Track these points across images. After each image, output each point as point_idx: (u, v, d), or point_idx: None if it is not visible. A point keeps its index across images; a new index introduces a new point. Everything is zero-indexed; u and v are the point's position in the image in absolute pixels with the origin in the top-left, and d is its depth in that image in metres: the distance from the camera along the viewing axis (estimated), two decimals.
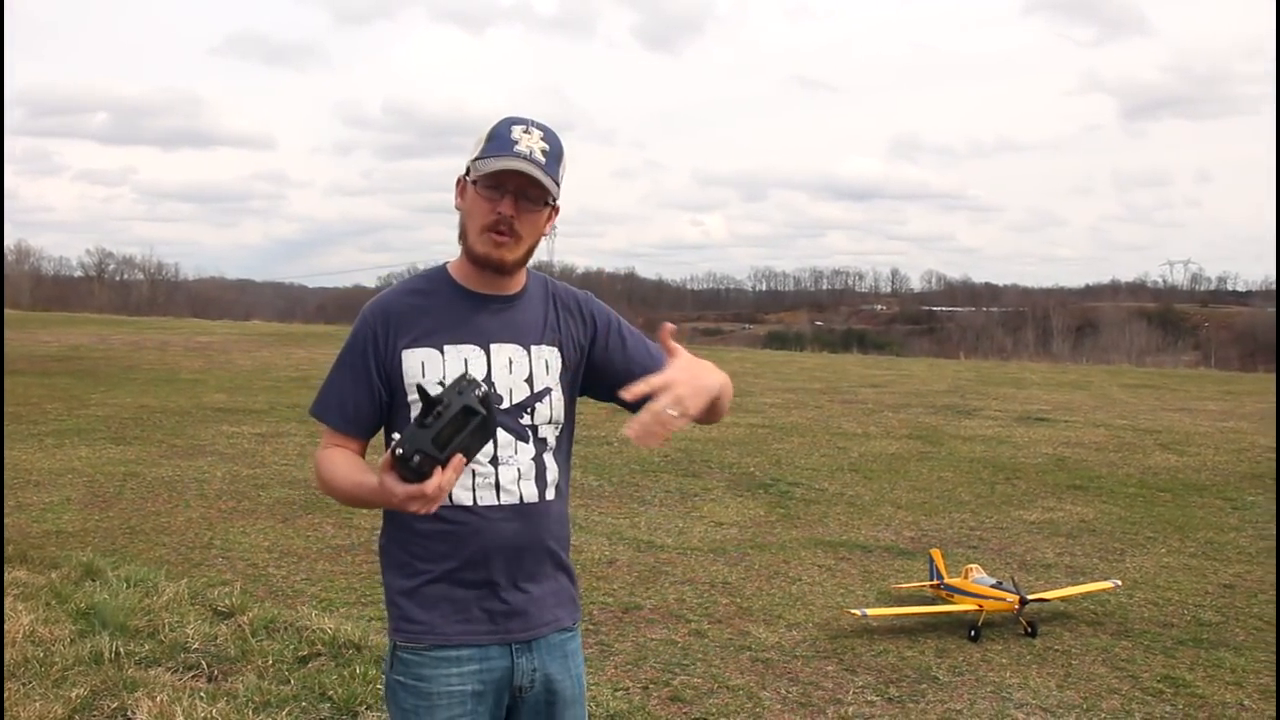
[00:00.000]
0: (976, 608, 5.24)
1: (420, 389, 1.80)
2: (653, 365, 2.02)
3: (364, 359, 2.03)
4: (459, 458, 1.74)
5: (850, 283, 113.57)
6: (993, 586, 5.32)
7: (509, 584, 2.02)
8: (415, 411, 1.95)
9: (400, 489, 1.74)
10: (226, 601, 5.11)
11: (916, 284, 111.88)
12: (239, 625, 4.79)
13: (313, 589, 5.70)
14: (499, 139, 1.97)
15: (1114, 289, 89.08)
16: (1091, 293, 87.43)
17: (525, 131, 1.98)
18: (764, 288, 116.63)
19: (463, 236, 2.02)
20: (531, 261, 2.10)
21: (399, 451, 1.72)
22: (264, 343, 25.19)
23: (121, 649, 4.40)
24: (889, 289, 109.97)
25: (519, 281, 2.09)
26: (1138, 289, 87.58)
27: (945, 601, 5.50)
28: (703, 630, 5.19)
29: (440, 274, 2.09)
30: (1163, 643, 5.12)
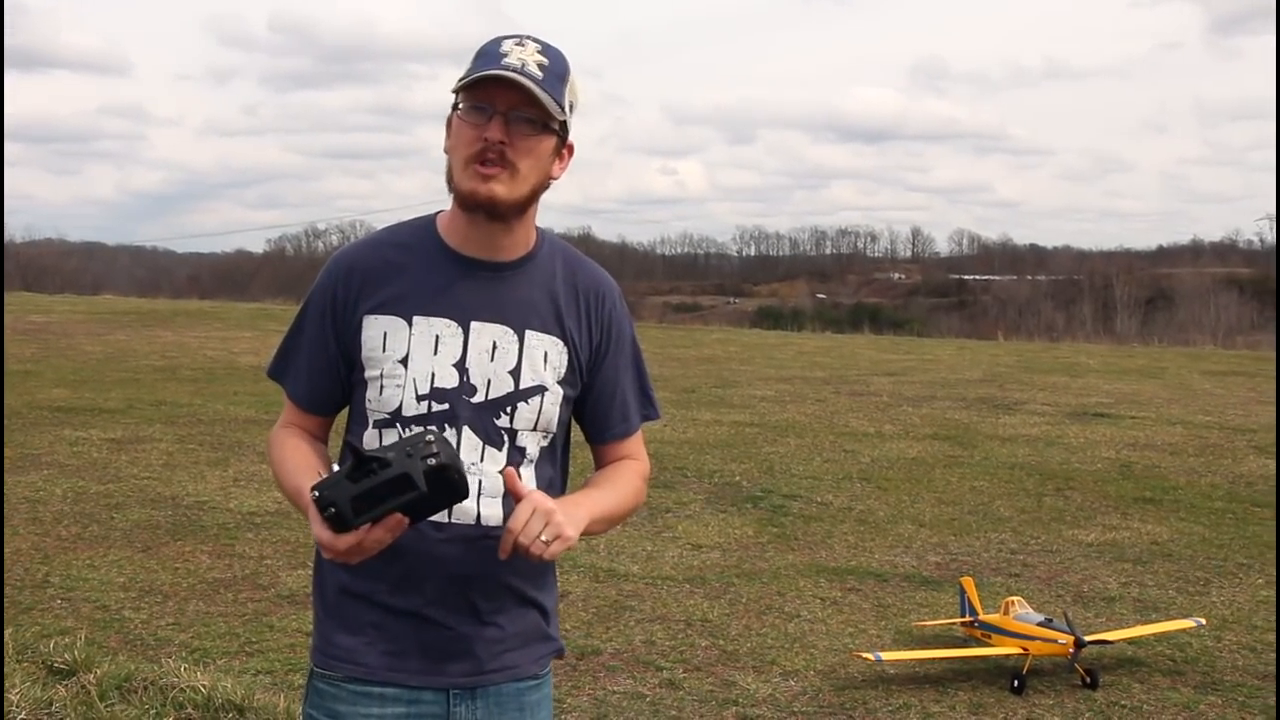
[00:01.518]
0: (1021, 651, 5.28)
1: (350, 448, 1.83)
2: (619, 427, 2.19)
3: (321, 324, 2.08)
4: (396, 517, 1.79)
5: (860, 245, 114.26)
6: (1040, 624, 5.36)
7: (453, 617, 2.04)
8: (370, 391, 2.04)
9: (315, 528, 1.83)
10: (66, 656, 5.03)
11: (943, 247, 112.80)
12: (83, 686, 4.71)
13: (182, 636, 5.64)
14: (486, 55, 2.00)
15: (1195, 251, 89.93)
16: (1166, 256, 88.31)
17: (518, 44, 2.01)
18: (753, 252, 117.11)
19: (449, 179, 2.05)
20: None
21: (315, 494, 1.79)
22: (119, 323, 24.92)
23: None
24: (908, 253, 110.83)
25: (522, 244, 2.10)
26: (1225, 251, 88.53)
27: (980, 643, 5.53)
28: (677, 680, 5.20)
29: (425, 226, 2.12)
30: (1261, 698, 5.18)
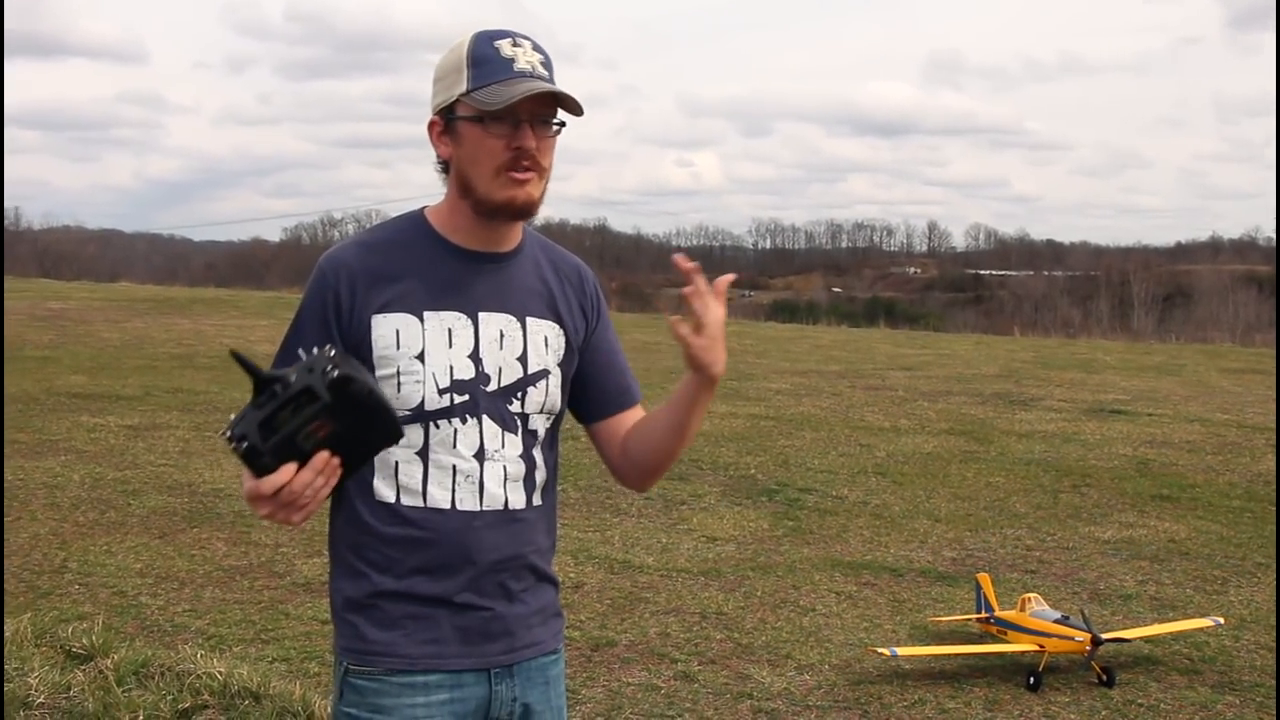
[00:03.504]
0: (1037, 648, 5.27)
1: (241, 364, 1.77)
2: (626, 395, 2.23)
3: (326, 327, 2.05)
4: (322, 455, 1.74)
5: (876, 239, 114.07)
6: (1057, 622, 5.34)
7: (487, 599, 2.08)
8: (389, 388, 2.02)
9: (246, 484, 1.79)
10: (84, 641, 5.06)
11: (959, 241, 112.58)
12: (100, 671, 4.74)
13: (198, 623, 5.66)
14: (490, 61, 2.00)
15: (1214, 248, 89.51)
16: (1184, 252, 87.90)
17: (514, 45, 2.02)
18: (768, 245, 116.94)
19: (465, 190, 2.05)
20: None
21: (226, 434, 1.72)
22: (136, 310, 25.01)
23: None
24: (924, 247, 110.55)
25: (516, 236, 2.15)
26: (1245, 248, 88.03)
27: (996, 640, 5.52)
28: (692, 673, 5.20)
29: (417, 223, 2.13)
30: None
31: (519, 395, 2.10)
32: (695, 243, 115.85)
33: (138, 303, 27.19)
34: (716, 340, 2.02)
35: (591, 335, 2.22)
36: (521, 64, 2.00)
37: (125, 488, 8.46)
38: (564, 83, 2.04)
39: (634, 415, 2.26)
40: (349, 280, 2.05)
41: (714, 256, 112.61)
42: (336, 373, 1.73)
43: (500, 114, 1.98)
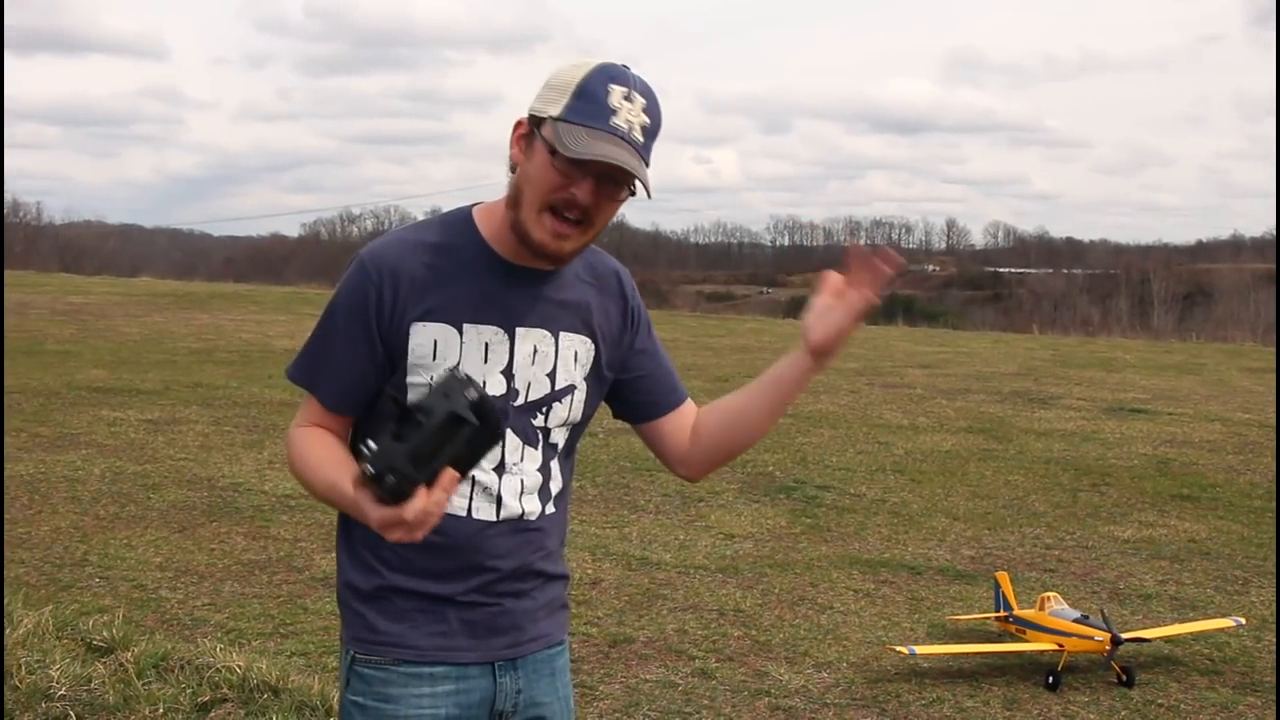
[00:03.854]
0: (1056, 648, 5.25)
1: (393, 399, 1.79)
2: (676, 393, 2.23)
3: (364, 326, 2.03)
4: (449, 473, 1.75)
5: (895, 237, 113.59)
6: (1076, 621, 5.32)
7: (494, 598, 2.10)
8: (414, 395, 1.99)
9: (375, 513, 1.76)
10: (104, 634, 5.08)
11: (978, 239, 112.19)
12: (120, 664, 4.76)
13: (217, 617, 5.69)
14: (593, 100, 1.94)
15: (1235, 246, 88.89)
16: (1205, 251, 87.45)
17: (626, 98, 1.95)
18: (786, 242, 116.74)
19: (514, 202, 2.00)
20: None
21: (368, 470, 1.72)
22: (156, 305, 25.13)
23: None
24: (943, 245, 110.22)
25: None
26: (1266, 246, 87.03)
27: (1015, 638, 5.50)
28: (709, 670, 5.20)
29: (465, 226, 2.09)
30: None
31: (544, 410, 2.10)
32: (714, 240, 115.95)
33: (158, 297, 27.31)
34: (852, 320, 2.04)
35: (635, 340, 2.21)
36: (620, 120, 1.93)
37: (145, 482, 8.50)
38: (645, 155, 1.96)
39: (687, 411, 2.27)
40: (392, 281, 2.01)
41: (732, 254, 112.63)
42: (477, 395, 1.75)
43: (572, 158, 1.92)
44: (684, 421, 2.26)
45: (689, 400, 2.29)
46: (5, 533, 7.05)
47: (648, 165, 1.97)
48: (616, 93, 1.95)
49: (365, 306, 2.02)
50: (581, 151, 1.90)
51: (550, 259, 2.02)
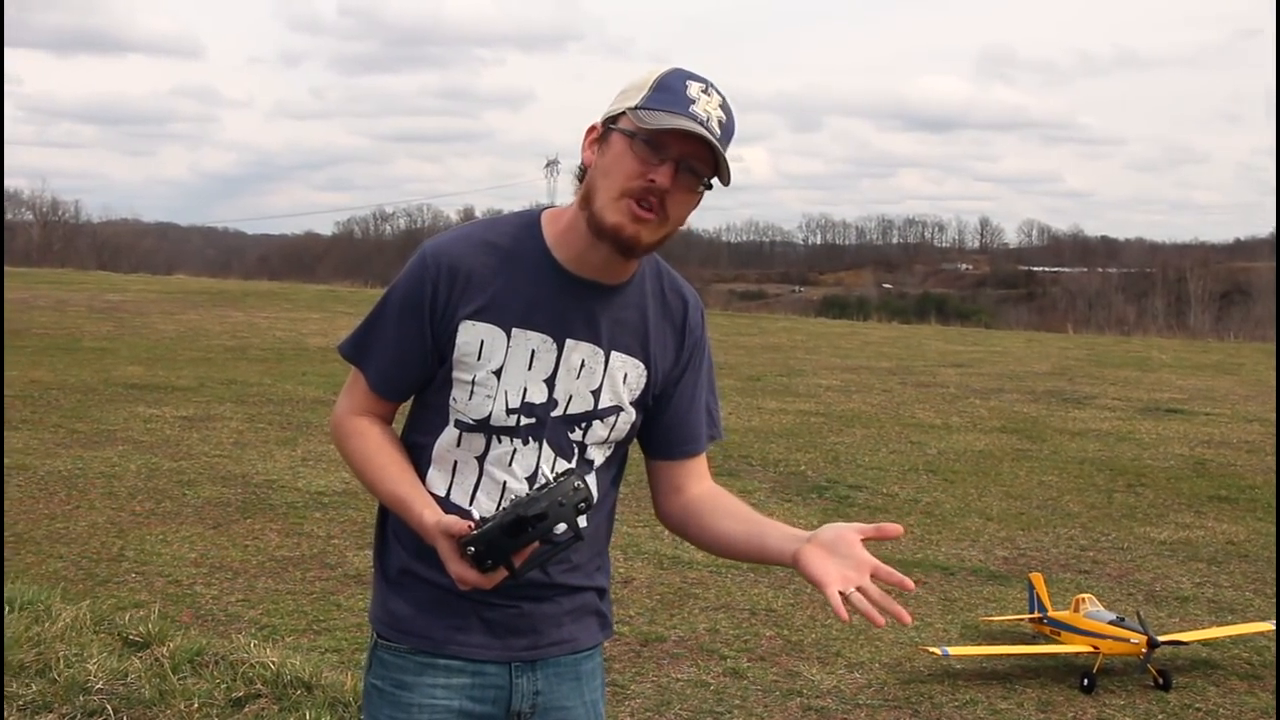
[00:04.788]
0: (1091, 650, 5.21)
1: (519, 519, 1.86)
2: (690, 444, 2.21)
3: (418, 318, 2.05)
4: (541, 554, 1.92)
5: (927, 235, 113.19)
6: (1112, 623, 5.28)
7: (514, 600, 2.09)
8: (457, 392, 2.05)
9: (455, 567, 1.91)
10: (140, 629, 5.12)
11: (1011, 237, 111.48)
12: (156, 659, 4.79)
13: (251, 613, 5.72)
14: (671, 91, 1.96)
15: (1273, 244, 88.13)
16: (1243, 249, 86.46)
17: (704, 92, 1.98)
18: (818, 241, 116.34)
19: (587, 199, 1.99)
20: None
21: (470, 551, 1.87)
22: (191, 302, 25.32)
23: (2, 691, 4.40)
24: (976, 243, 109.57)
25: (630, 270, 2.09)
26: None
27: (1049, 640, 5.47)
28: (741, 669, 5.19)
29: (532, 229, 2.09)
30: None
31: (583, 425, 2.08)
32: (745, 238, 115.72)
33: (193, 295, 27.53)
34: (830, 583, 2.02)
35: (681, 373, 2.17)
36: (699, 109, 1.94)
37: (180, 478, 8.56)
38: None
39: (692, 466, 2.23)
40: (449, 276, 2.03)
41: (764, 252, 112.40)
42: (585, 506, 1.87)
43: (651, 139, 1.92)
44: (684, 477, 2.24)
45: (701, 457, 2.25)
46: (45, 528, 7.12)
47: (725, 163, 1.97)
48: (694, 87, 1.97)
49: (420, 299, 2.04)
50: (662, 123, 1.91)
51: (625, 247, 1.98)
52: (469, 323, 2.02)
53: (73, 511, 7.53)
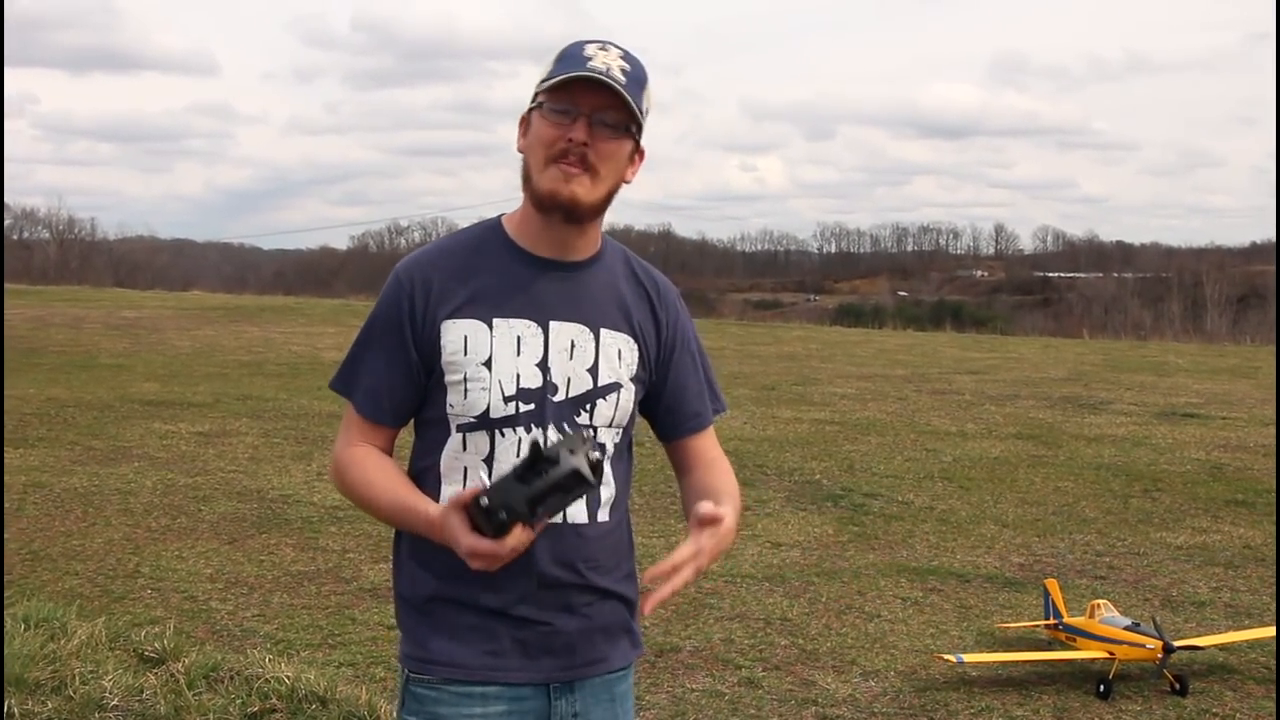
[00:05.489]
0: (1107, 655, 5.19)
1: (534, 443, 1.85)
2: (696, 419, 2.20)
3: (399, 335, 2.08)
4: (544, 518, 1.86)
5: (942, 242, 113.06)
6: (1128, 629, 5.25)
7: (546, 613, 2.07)
8: (453, 396, 2.04)
9: (467, 539, 1.84)
10: (156, 645, 5.14)
11: (1027, 243, 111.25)
12: (171, 674, 4.81)
13: (267, 628, 5.73)
14: (569, 58, 2.02)
15: None
16: (1259, 253, 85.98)
17: (601, 49, 2.03)
18: (833, 249, 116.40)
19: (526, 180, 2.06)
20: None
21: (484, 502, 1.82)
22: (207, 318, 25.43)
23: (16, 709, 4.41)
24: (991, 250, 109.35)
25: (592, 244, 2.14)
26: None
27: (1065, 646, 5.44)
28: (756, 679, 5.18)
29: (492, 228, 2.14)
30: None
31: (588, 407, 2.08)
32: (760, 247, 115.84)
33: (208, 311, 27.65)
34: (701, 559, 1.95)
35: (671, 352, 2.20)
36: (596, 63, 1.99)
37: (196, 494, 8.59)
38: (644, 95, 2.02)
39: (697, 442, 2.25)
40: (423, 285, 2.07)
41: (779, 261, 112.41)
42: (598, 456, 1.84)
43: (560, 103, 1.99)
44: (693, 457, 2.24)
45: (708, 432, 2.26)
46: (61, 545, 7.16)
47: (638, 107, 2.02)
48: (590, 47, 2.03)
49: (399, 316, 2.08)
50: (557, 79, 1.98)
51: (565, 209, 2.03)
52: (450, 322, 2.05)
53: (89, 528, 7.56)
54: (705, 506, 1.96)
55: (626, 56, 2.04)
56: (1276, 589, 6.64)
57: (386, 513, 2.08)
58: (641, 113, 2.03)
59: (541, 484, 1.80)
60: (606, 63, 2.00)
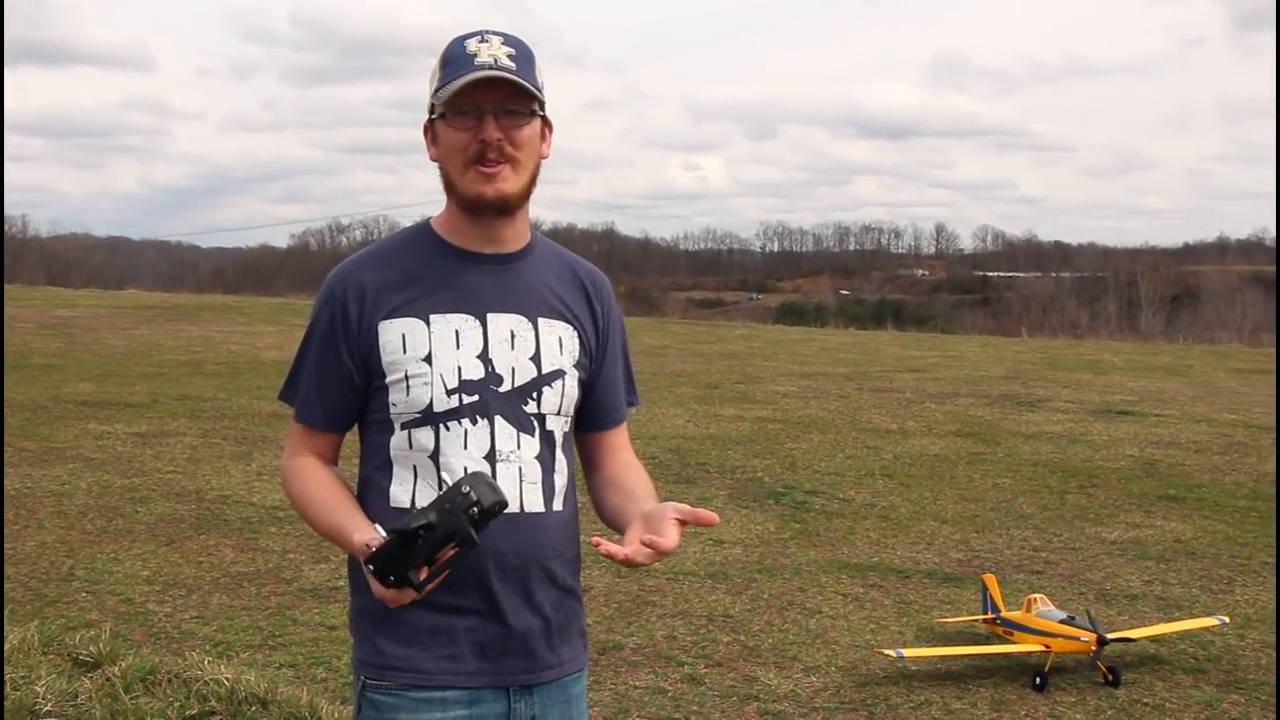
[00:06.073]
0: (1043, 649, 5.27)
1: (395, 532, 1.88)
2: (611, 415, 2.24)
3: (332, 345, 2.09)
4: (447, 559, 1.91)
5: (883, 242, 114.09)
6: (1063, 622, 5.34)
7: (507, 612, 2.07)
8: (395, 395, 2.06)
9: (375, 586, 1.92)
10: (91, 649, 5.07)
11: (967, 243, 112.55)
12: (107, 679, 4.75)
13: (206, 629, 5.67)
14: (454, 60, 2.04)
15: (1220, 248, 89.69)
16: (1191, 253, 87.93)
17: (481, 41, 2.04)
18: (776, 248, 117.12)
19: (449, 188, 2.09)
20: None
21: (371, 569, 1.89)
22: (143, 317, 25.06)
23: None
24: (932, 249, 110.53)
25: (522, 235, 2.16)
26: (1252, 248, 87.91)
27: (1003, 640, 5.52)
28: (699, 676, 5.21)
29: (421, 229, 2.16)
30: None
31: (534, 396, 2.10)
32: (703, 246, 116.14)
33: (145, 310, 27.25)
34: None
35: (604, 344, 2.23)
36: (483, 58, 2.02)
37: (133, 495, 8.48)
38: (558, 89, 2.07)
39: (614, 437, 2.28)
40: (356, 292, 2.08)
41: (721, 260, 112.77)
42: (477, 512, 1.85)
43: (462, 107, 2.02)
44: (606, 453, 2.29)
45: (622, 428, 2.30)
46: None
47: (534, 86, 2.04)
48: (471, 43, 2.05)
49: (334, 323, 2.09)
50: (453, 86, 2.00)
51: (496, 207, 2.06)
52: (386, 322, 2.07)
53: (21, 531, 7.44)
54: (685, 510, 2.05)
55: (508, 40, 2.06)
56: (1277, 589, 6.77)
57: (321, 531, 2.11)
58: (539, 90, 2.06)
59: (421, 550, 1.86)
60: (493, 54, 2.02)
